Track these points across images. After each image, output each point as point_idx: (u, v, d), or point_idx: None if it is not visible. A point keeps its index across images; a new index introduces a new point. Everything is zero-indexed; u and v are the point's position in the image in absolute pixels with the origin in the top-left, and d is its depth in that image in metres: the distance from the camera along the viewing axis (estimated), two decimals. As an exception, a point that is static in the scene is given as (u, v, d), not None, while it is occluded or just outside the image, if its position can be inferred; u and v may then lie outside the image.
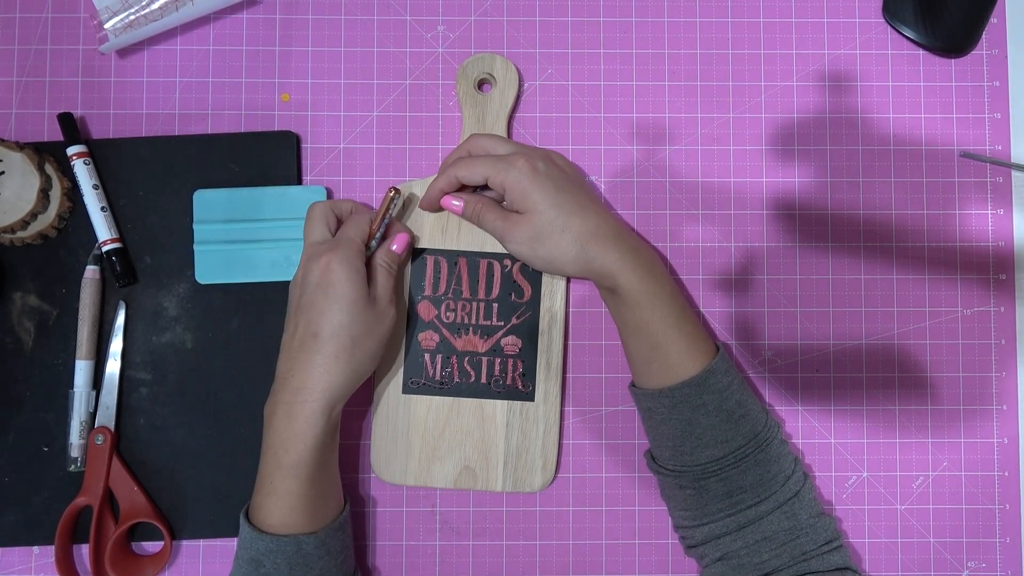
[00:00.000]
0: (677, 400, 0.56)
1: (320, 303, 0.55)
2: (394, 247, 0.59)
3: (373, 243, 0.58)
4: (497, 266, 0.63)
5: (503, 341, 0.62)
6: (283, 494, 0.54)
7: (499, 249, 0.62)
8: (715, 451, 0.55)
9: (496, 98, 0.63)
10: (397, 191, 0.59)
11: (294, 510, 0.54)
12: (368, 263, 0.58)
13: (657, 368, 0.57)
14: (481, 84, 0.64)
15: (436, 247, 0.63)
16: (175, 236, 0.63)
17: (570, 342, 0.64)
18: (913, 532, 0.64)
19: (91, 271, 0.62)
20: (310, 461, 0.54)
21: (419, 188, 0.63)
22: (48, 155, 0.62)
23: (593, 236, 0.56)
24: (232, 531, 0.62)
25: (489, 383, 0.62)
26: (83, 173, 0.61)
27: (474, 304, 0.63)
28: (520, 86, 0.64)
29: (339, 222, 0.59)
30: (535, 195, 0.56)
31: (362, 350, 0.55)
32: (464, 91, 0.63)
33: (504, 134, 0.63)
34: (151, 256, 0.63)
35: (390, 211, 0.59)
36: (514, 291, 0.63)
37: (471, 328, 0.63)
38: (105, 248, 0.62)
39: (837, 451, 0.64)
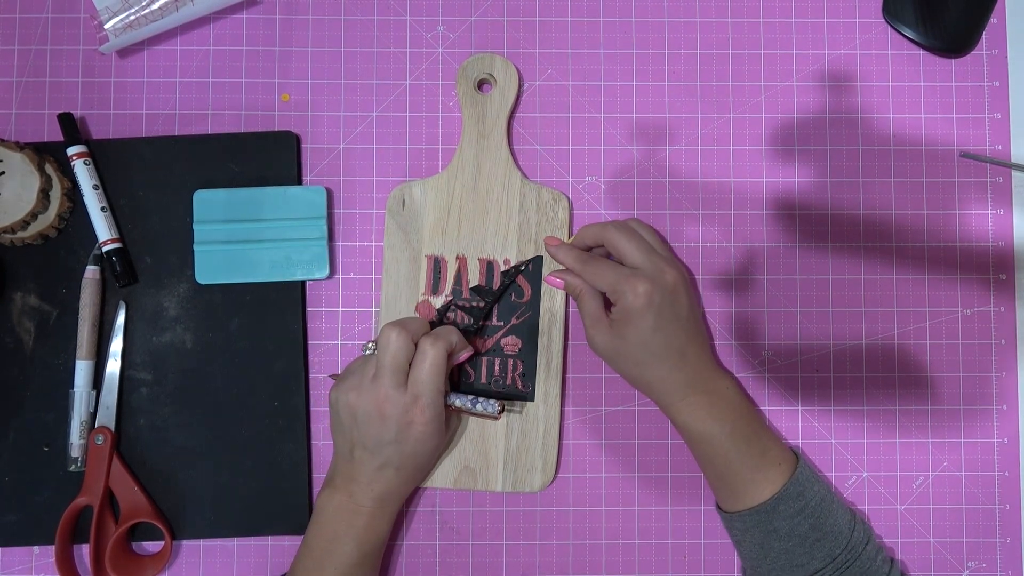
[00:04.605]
0: (748, 524, 0.57)
1: (418, 457, 0.58)
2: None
3: (455, 402, 0.59)
4: (497, 266, 0.63)
5: (503, 341, 0.62)
6: None
7: (498, 249, 0.63)
8: (791, 575, 0.56)
9: (496, 98, 0.63)
10: (503, 411, 0.59)
11: None
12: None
13: (726, 494, 0.58)
14: (481, 84, 0.64)
15: (436, 247, 0.63)
16: (175, 236, 0.63)
17: (570, 342, 0.64)
18: (913, 532, 0.64)
19: (91, 271, 0.62)
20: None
21: (419, 188, 0.63)
22: (48, 155, 0.62)
23: (663, 381, 0.57)
24: (232, 531, 0.62)
25: (489, 383, 0.62)
26: (83, 173, 0.62)
27: (474, 304, 0.63)
28: (520, 86, 0.64)
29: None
30: (631, 328, 0.56)
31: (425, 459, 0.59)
32: (464, 91, 0.63)
33: (504, 133, 0.63)
34: (151, 256, 0.63)
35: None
36: (514, 291, 0.63)
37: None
38: (105, 248, 0.62)
39: (837, 451, 0.64)
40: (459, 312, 0.62)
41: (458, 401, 0.58)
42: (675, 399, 0.57)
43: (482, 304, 0.62)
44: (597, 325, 0.58)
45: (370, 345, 0.59)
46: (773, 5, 0.66)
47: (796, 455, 0.59)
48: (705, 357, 0.59)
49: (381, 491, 0.57)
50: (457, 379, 0.62)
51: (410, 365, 0.56)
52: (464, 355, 0.59)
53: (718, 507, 0.60)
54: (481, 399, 0.58)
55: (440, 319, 0.62)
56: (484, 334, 0.62)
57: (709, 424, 0.57)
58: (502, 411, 0.58)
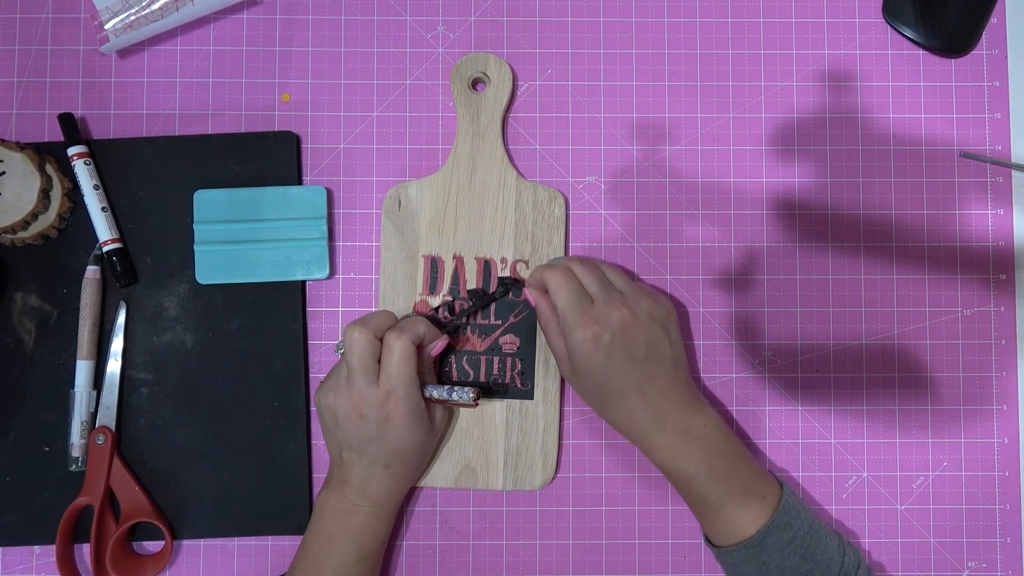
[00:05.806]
0: (737, 560, 0.55)
1: (401, 454, 0.57)
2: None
3: (432, 393, 0.58)
4: (494, 264, 0.63)
5: (501, 340, 0.63)
6: None
7: (495, 248, 0.63)
8: None
9: (490, 97, 0.63)
10: (479, 398, 0.58)
11: None
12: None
13: (710, 529, 0.57)
14: (475, 83, 0.64)
15: (433, 247, 0.63)
16: (175, 236, 0.63)
17: (570, 342, 0.64)
18: (913, 532, 0.64)
19: (92, 271, 0.62)
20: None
21: (414, 188, 0.63)
22: (49, 155, 0.62)
23: (627, 421, 0.56)
24: (232, 531, 0.62)
25: (488, 382, 0.62)
26: (83, 173, 0.62)
27: (465, 304, 0.63)
28: (514, 85, 0.64)
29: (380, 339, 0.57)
30: (580, 366, 0.55)
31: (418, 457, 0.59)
32: (458, 90, 0.63)
33: (499, 132, 0.63)
34: (151, 256, 0.63)
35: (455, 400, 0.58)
36: (512, 289, 0.63)
37: (469, 327, 0.63)
38: (106, 248, 0.62)
39: (837, 451, 0.64)
40: (448, 313, 0.62)
41: (435, 392, 0.58)
42: (647, 437, 0.56)
43: (468, 305, 0.62)
44: (563, 363, 0.57)
45: (342, 344, 0.59)
46: (773, 5, 0.66)
47: (780, 483, 0.57)
48: (672, 394, 0.56)
49: (373, 490, 0.57)
50: (455, 378, 0.62)
51: (380, 361, 0.56)
52: (439, 344, 0.58)
53: (706, 539, 0.58)
54: (456, 388, 0.58)
55: (435, 319, 0.62)
56: (466, 332, 0.62)
57: (684, 465, 0.55)
58: (478, 398, 0.57)
